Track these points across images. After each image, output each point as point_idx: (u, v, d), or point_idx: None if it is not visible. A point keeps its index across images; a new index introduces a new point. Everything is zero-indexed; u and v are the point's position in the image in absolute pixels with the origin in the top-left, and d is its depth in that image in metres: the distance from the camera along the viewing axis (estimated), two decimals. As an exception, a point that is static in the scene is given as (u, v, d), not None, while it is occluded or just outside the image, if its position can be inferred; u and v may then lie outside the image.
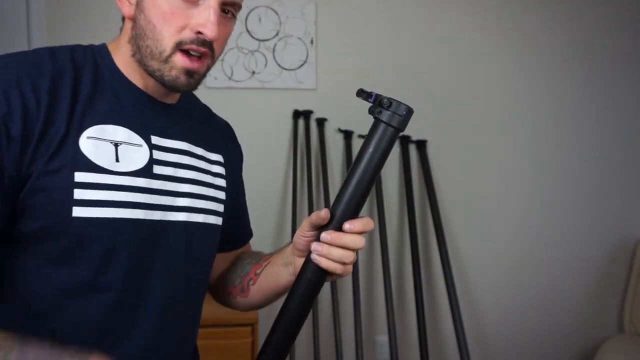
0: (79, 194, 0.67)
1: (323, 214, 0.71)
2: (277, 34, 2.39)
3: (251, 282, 0.90)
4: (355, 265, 2.26)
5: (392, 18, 2.46)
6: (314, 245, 0.71)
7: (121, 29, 0.79)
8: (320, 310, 2.35)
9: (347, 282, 2.37)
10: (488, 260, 2.56)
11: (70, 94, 0.69)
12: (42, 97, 0.66)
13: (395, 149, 2.49)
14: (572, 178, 2.60)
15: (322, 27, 2.41)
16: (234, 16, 0.76)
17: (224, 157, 0.90)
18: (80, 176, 0.67)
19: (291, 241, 0.82)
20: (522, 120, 2.56)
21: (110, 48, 0.78)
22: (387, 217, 2.40)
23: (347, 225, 0.70)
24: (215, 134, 0.91)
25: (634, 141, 2.63)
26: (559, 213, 2.60)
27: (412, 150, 2.49)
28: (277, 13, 2.38)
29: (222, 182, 0.88)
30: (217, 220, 0.86)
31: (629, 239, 2.62)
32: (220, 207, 0.86)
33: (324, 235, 0.70)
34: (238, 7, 0.75)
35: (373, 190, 2.43)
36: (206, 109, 0.95)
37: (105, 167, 0.69)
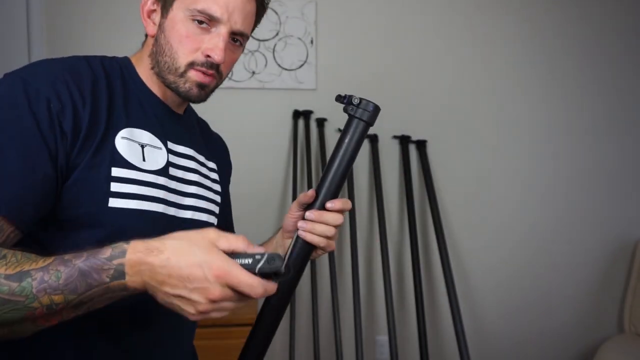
0: (115, 187, 0.74)
1: (309, 192, 0.82)
2: (277, 34, 2.39)
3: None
4: (355, 265, 2.27)
5: (392, 18, 2.46)
6: (300, 223, 0.82)
7: (143, 44, 0.89)
8: (320, 310, 2.35)
9: (347, 282, 2.37)
10: (488, 259, 2.56)
11: (106, 97, 0.78)
12: (87, 97, 0.74)
13: (396, 149, 2.49)
14: (572, 178, 2.60)
15: (322, 27, 2.41)
16: (241, 45, 0.86)
17: (217, 165, 1.00)
18: (116, 171, 0.75)
19: (279, 228, 0.91)
20: (522, 120, 2.56)
21: (134, 60, 0.87)
22: (387, 217, 2.40)
23: (329, 204, 0.81)
24: (212, 145, 1.02)
25: (633, 141, 2.63)
26: (559, 213, 2.60)
27: (412, 150, 2.49)
28: (277, 13, 2.38)
29: (218, 187, 0.97)
30: (215, 221, 0.94)
31: (629, 239, 2.62)
32: (217, 209, 0.96)
33: (308, 213, 0.81)
34: (246, 37, 0.85)
35: (373, 190, 2.43)
36: (204, 123, 1.05)
37: (136, 164, 0.78)
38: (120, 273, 0.60)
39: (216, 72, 0.82)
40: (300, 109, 2.41)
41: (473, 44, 2.51)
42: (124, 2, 2.23)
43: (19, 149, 0.67)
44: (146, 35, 0.88)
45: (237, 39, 0.84)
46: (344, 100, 0.81)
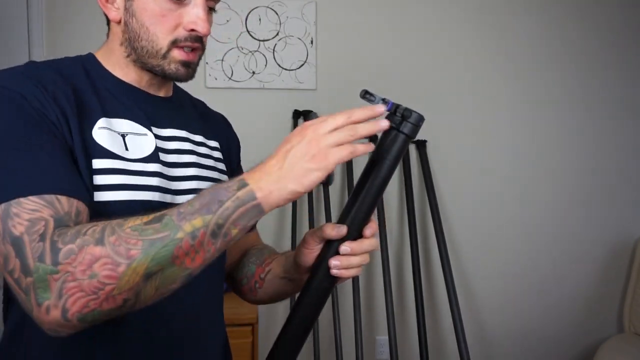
0: (98, 179, 0.71)
1: (343, 230, 0.71)
2: (277, 34, 2.39)
3: (257, 285, 0.92)
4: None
5: (392, 18, 2.46)
6: (334, 262, 0.72)
7: (108, 34, 0.83)
8: (320, 310, 2.35)
9: (347, 282, 2.37)
10: (488, 259, 2.56)
11: (71, 93, 0.73)
12: (52, 95, 0.70)
13: (395, 149, 2.49)
14: (571, 177, 2.60)
15: (322, 27, 2.41)
16: (213, 10, 0.82)
17: (220, 143, 0.95)
18: (97, 163, 0.71)
19: (291, 250, 0.84)
20: (522, 120, 2.56)
21: (100, 54, 0.83)
22: (387, 217, 2.40)
23: (368, 231, 0.72)
24: (212, 124, 0.96)
25: (633, 140, 2.63)
26: (558, 213, 2.60)
27: (412, 150, 2.49)
28: (277, 13, 2.38)
29: (223, 166, 0.93)
30: None
31: (629, 239, 2.62)
32: None
33: (344, 247, 0.71)
34: (217, 0, 0.81)
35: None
36: (200, 103, 1.00)
37: (119, 154, 0.74)
38: (243, 183, 0.63)
39: (200, 44, 0.79)
40: (300, 109, 2.41)
41: (474, 45, 2.51)
42: (124, 2, 2.23)
43: (43, 137, 0.66)
44: (108, 24, 0.82)
45: (209, 6, 0.80)
46: (369, 96, 0.69)
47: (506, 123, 2.55)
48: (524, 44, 2.54)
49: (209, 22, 0.80)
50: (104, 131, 0.73)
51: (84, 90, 0.75)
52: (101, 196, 0.71)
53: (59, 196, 0.63)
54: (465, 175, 2.54)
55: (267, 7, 2.36)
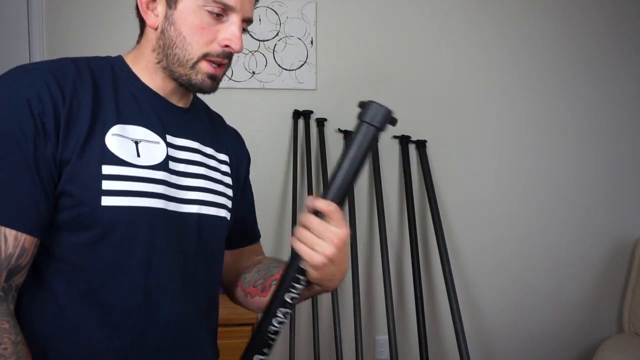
0: (106, 184, 0.74)
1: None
2: (277, 34, 2.39)
3: (275, 283, 0.92)
4: (355, 265, 2.26)
5: (392, 18, 2.46)
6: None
7: (139, 40, 0.86)
8: (320, 310, 2.35)
9: (347, 282, 2.37)
10: (487, 259, 2.57)
11: (91, 96, 0.76)
12: (66, 96, 0.74)
13: (395, 149, 2.49)
14: (571, 178, 2.60)
15: (322, 27, 2.41)
16: (246, 30, 0.85)
17: (229, 158, 0.97)
18: (107, 169, 0.74)
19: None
20: (522, 120, 2.56)
21: (130, 57, 0.86)
22: (387, 217, 2.40)
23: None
24: (224, 138, 0.98)
25: (633, 141, 2.63)
26: (558, 213, 2.60)
27: (412, 150, 2.49)
28: (277, 13, 2.38)
29: (229, 181, 0.94)
30: (227, 215, 0.92)
31: (629, 239, 2.62)
32: (229, 203, 0.93)
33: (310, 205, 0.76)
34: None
35: (373, 190, 2.43)
36: (218, 116, 1.02)
37: (129, 161, 0.76)
38: None
39: (229, 60, 0.83)
40: (300, 109, 2.41)
41: (474, 45, 2.51)
42: (124, 2, 2.23)
43: (5, 159, 0.70)
44: (142, 30, 0.85)
45: (243, 26, 0.83)
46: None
47: (506, 123, 2.55)
48: (526, 44, 2.54)
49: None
50: (116, 138, 0.76)
51: (106, 95, 0.78)
52: (108, 201, 0.74)
53: (6, 230, 0.69)
54: (465, 176, 2.54)
55: (267, 7, 2.36)
